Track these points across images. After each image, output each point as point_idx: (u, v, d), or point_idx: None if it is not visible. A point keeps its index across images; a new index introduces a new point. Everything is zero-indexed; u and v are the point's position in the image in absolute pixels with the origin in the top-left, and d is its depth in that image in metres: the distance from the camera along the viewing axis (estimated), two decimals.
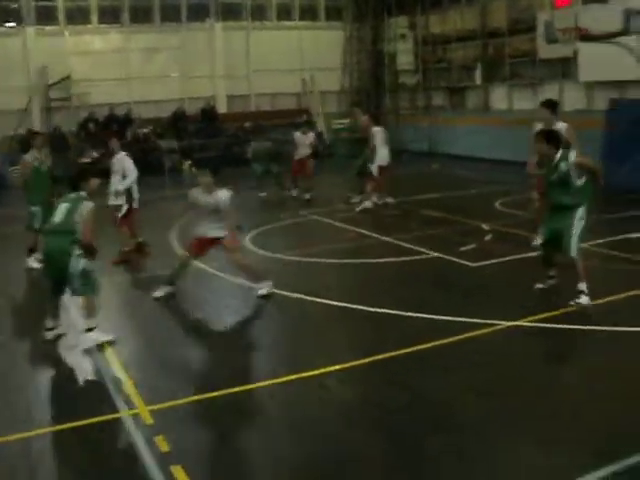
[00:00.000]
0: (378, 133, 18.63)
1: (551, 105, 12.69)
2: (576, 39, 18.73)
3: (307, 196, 20.15)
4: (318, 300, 10.58)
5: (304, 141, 21.00)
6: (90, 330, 8.98)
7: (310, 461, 6.28)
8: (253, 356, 8.94)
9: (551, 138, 9.87)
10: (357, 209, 18.00)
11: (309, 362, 8.24)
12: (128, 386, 7.75)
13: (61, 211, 9.00)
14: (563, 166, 9.60)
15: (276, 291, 11.07)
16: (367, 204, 18.08)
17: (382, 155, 18.49)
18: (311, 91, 33.47)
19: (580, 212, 9.67)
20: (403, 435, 6.57)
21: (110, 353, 8.77)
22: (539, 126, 11.91)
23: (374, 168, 18.39)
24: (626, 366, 7.81)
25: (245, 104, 32.78)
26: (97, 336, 9.00)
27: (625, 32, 17.46)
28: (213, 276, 12.17)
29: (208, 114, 31.03)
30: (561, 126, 12.06)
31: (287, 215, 17.72)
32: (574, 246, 9.62)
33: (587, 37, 18.43)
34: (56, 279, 8.98)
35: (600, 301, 9.66)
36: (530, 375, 7.83)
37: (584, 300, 9.49)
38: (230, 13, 32.82)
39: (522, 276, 11.51)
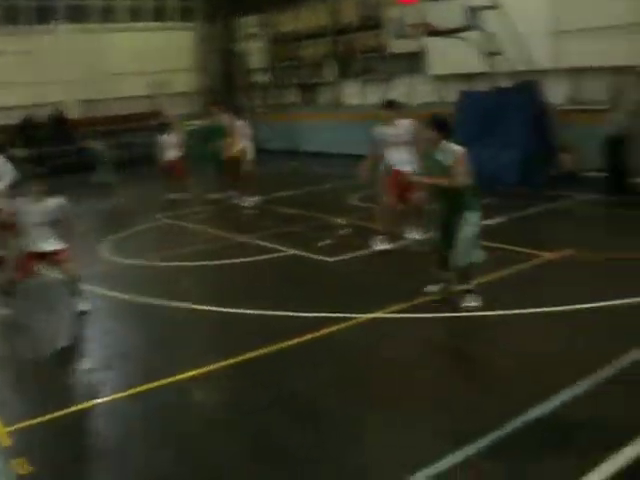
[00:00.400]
0: (243, 127, 18.57)
1: (391, 105, 13.18)
2: (424, 34, 19.07)
3: (173, 196, 19.82)
4: (176, 304, 10.39)
5: (171, 143, 20.68)
6: None
7: (171, 470, 6.12)
8: (112, 366, 8.63)
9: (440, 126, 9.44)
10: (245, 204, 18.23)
11: (168, 369, 8.04)
12: None
13: None
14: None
15: (132, 298, 10.84)
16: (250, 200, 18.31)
17: (251, 150, 18.75)
18: (163, 93, 32.91)
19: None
20: (267, 434, 6.50)
21: None
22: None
23: (248, 164, 18.51)
24: (486, 350, 7.96)
25: (96, 108, 31.92)
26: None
27: (468, 28, 17.91)
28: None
29: (57, 120, 30.14)
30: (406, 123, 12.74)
31: (142, 220, 17.30)
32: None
33: (434, 32, 18.79)
34: None
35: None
36: (391, 365, 7.91)
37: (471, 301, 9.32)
38: (79, 15, 31.73)
39: (379, 268, 11.64)
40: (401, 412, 6.75)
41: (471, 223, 9.12)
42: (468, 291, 9.36)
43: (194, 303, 10.35)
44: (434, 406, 6.87)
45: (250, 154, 18.82)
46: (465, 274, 9.39)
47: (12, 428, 6.87)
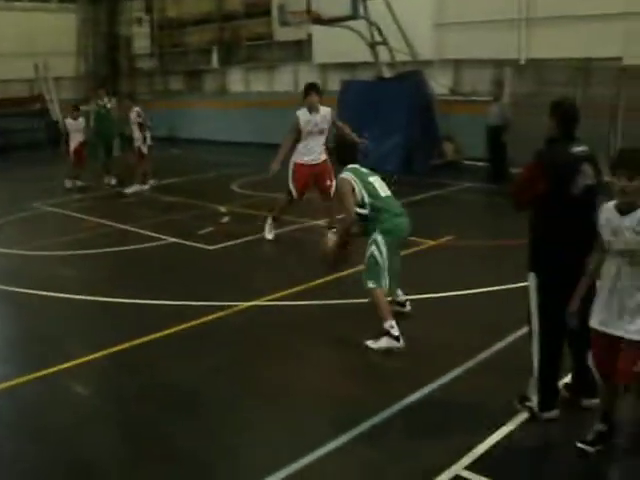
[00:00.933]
0: (142, 112, 18.44)
1: (318, 89, 12.70)
2: (309, 22, 19.05)
3: (78, 183, 19.10)
4: (52, 295, 10.06)
5: (77, 127, 19.55)
6: None
7: (43, 465, 5.90)
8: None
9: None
10: (127, 191, 17.83)
11: (42, 362, 7.76)
12: None
13: None
14: None
15: (9, 288, 10.48)
16: (141, 187, 18.10)
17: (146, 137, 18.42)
18: (45, 77, 31.96)
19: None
20: (145, 424, 6.40)
21: None
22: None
23: (145, 148, 18.28)
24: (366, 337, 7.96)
25: None
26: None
27: (353, 17, 17.96)
28: None
29: None
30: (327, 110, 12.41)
31: (19, 208, 16.65)
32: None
33: (319, 21, 18.78)
34: None
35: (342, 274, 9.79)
36: (271, 350, 7.89)
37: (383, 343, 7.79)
38: None
39: (259, 256, 11.60)
40: (282, 401, 6.73)
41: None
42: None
43: (69, 293, 10.04)
44: (314, 394, 6.86)
45: (143, 141, 18.39)
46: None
47: None
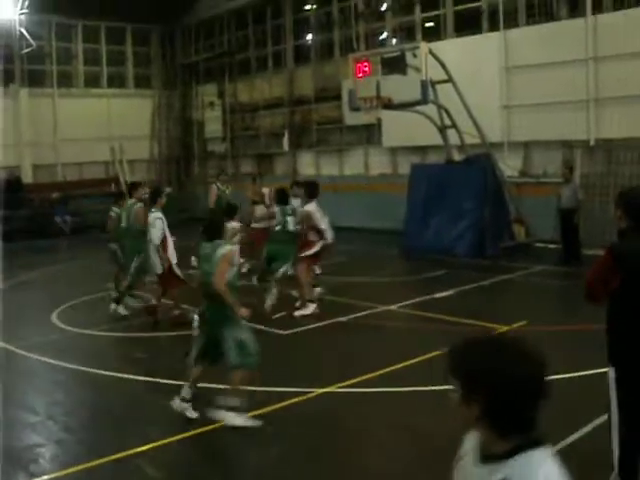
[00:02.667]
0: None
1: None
2: (378, 107, 19.31)
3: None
4: (127, 377, 10.18)
5: None
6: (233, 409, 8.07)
7: None
8: (60, 441, 8.44)
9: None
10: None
11: (117, 444, 7.84)
12: None
13: None
14: None
15: (83, 369, 10.69)
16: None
17: None
18: (120, 160, 32.89)
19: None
20: None
21: None
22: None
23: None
24: (433, 424, 7.91)
25: (52, 174, 31.74)
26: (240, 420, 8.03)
27: (423, 102, 18.17)
28: None
29: (12, 184, 29.88)
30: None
31: (94, 289, 16.92)
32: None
33: (389, 106, 19.03)
34: None
35: (410, 362, 9.76)
36: (346, 439, 7.86)
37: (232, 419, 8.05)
38: (36, 79, 31.83)
39: (332, 342, 11.59)
40: None
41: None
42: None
43: (143, 375, 10.18)
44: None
45: None
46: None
47: None
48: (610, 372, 5.84)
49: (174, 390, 9.21)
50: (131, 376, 10.22)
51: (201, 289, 8.64)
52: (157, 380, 10.03)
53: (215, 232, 8.65)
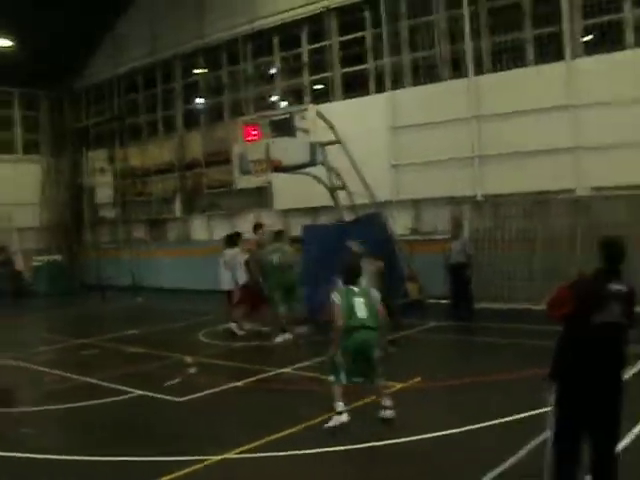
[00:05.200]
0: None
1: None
2: (268, 170, 19.38)
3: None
4: (18, 455, 9.72)
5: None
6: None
7: None
8: None
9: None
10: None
11: None
12: None
13: None
14: None
15: None
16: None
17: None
18: (8, 228, 32.07)
19: None
20: None
21: None
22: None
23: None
24: None
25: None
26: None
27: (312, 164, 18.33)
28: None
29: None
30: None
31: None
32: None
33: (279, 168, 19.12)
34: None
35: (311, 422, 9.67)
36: None
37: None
38: None
39: (229, 407, 11.44)
40: None
41: None
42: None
43: (34, 453, 9.76)
44: None
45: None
46: None
47: None
48: (551, 388, 6.40)
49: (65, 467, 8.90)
50: (23, 454, 9.80)
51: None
52: (48, 457, 9.62)
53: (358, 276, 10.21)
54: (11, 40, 28.06)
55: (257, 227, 17.96)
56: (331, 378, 9.65)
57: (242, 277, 17.70)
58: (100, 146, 33.52)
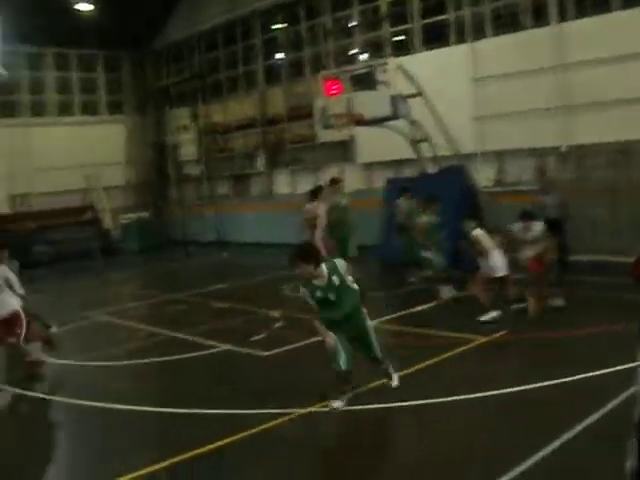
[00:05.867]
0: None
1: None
2: (350, 124, 19.36)
3: None
4: (109, 406, 10.08)
5: None
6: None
7: None
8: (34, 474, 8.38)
9: (309, 257, 8.85)
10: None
11: (103, 474, 7.82)
12: None
13: None
14: (335, 280, 8.86)
15: (60, 400, 10.65)
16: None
17: None
18: (96, 187, 32.79)
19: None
20: None
21: None
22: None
23: None
24: (430, 437, 7.91)
25: (28, 203, 31.58)
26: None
27: (394, 117, 18.23)
28: None
29: None
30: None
31: (73, 318, 16.86)
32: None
33: (361, 122, 19.08)
34: None
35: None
36: (328, 458, 7.87)
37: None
38: (9, 109, 31.88)
39: (315, 361, 11.56)
40: None
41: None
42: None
43: (126, 404, 10.05)
44: None
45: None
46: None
47: None
48: None
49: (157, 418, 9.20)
50: (114, 405, 10.12)
51: None
52: (140, 408, 9.93)
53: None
54: (92, 4, 28.47)
55: (333, 182, 17.76)
56: None
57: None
58: (182, 104, 33.86)
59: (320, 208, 16.37)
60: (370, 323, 9.32)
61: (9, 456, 8.86)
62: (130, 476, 7.62)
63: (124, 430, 9.48)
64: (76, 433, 9.84)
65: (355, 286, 9.09)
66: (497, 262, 13.26)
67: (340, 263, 9.07)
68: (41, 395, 11.01)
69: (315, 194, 16.84)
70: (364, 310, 9.23)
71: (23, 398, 11.08)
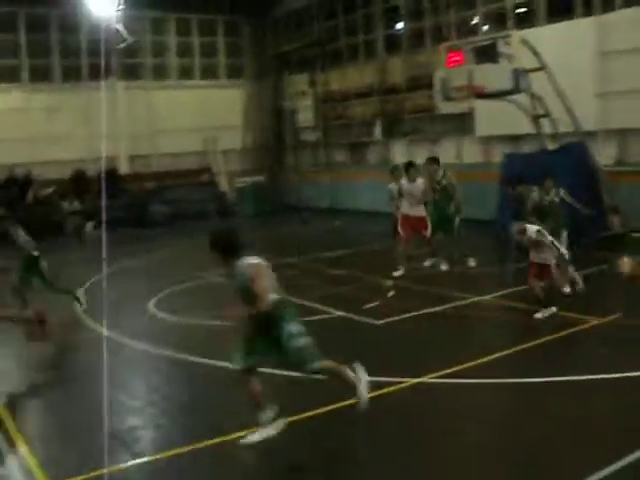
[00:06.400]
0: None
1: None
2: (471, 97, 19.23)
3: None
4: (222, 364, 10.39)
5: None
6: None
7: None
8: (155, 425, 8.77)
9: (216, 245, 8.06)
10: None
11: (214, 429, 8.08)
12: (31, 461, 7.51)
13: None
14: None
15: (180, 356, 11.04)
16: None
17: None
18: (213, 150, 33.47)
19: None
20: None
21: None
22: None
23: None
24: (530, 417, 7.95)
25: (147, 164, 32.55)
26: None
27: (515, 91, 18.03)
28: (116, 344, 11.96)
29: (110, 174, 30.62)
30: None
31: (189, 278, 17.34)
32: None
33: (481, 95, 18.93)
34: None
35: (506, 352, 9.78)
36: (438, 430, 7.91)
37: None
38: (132, 72, 32.84)
39: (427, 331, 11.66)
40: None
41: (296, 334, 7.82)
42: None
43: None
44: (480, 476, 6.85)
45: None
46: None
47: None
48: None
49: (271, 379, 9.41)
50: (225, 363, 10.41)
51: None
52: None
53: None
54: None
55: (431, 161, 17.29)
56: None
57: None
58: (301, 70, 34.10)
59: (415, 184, 16.36)
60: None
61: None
62: (242, 433, 7.83)
63: (236, 388, 9.73)
64: (186, 386, 10.25)
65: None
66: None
67: (245, 268, 7.78)
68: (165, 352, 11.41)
69: (407, 170, 16.71)
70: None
71: (147, 354, 11.54)
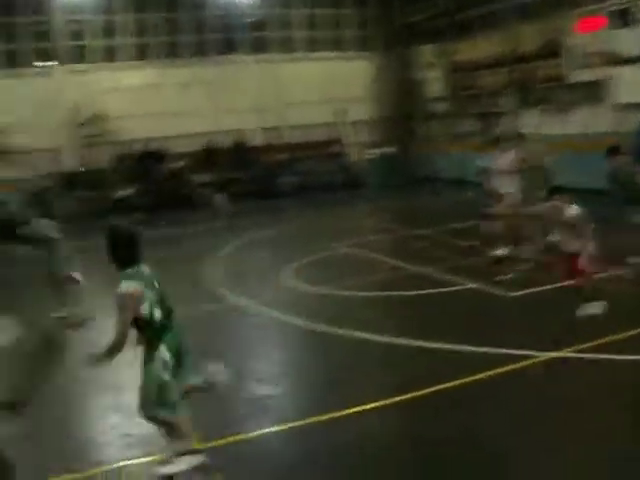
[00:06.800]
0: None
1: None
2: (606, 63, 18.72)
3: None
4: (356, 335, 10.54)
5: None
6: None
7: None
8: (287, 394, 9.01)
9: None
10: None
11: (345, 400, 8.17)
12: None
13: None
14: None
15: (315, 327, 11.21)
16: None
17: None
18: (343, 121, 33.59)
19: None
20: (440, 470, 6.65)
21: None
22: None
23: None
24: None
25: (277, 136, 32.95)
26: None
27: None
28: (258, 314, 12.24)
29: (239, 147, 31.22)
30: None
31: (319, 248, 17.54)
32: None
33: (618, 61, 18.41)
34: None
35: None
36: (570, 406, 7.80)
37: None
38: (260, 46, 33.28)
39: (561, 305, 11.45)
40: (579, 458, 6.67)
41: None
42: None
43: (373, 334, 10.49)
44: (611, 455, 6.67)
45: None
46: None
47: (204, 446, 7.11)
48: None
49: (403, 350, 9.50)
50: (360, 334, 10.53)
51: None
52: (383, 339, 10.30)
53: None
54: None
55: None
56: None
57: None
58: (429, 41, 33.78)
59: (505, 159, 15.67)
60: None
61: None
62: (371, 405, 7.99)
63: (368, 359, 9.87)
64: (320, 357, 10.37)
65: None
66: None
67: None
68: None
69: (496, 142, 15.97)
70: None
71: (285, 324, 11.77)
